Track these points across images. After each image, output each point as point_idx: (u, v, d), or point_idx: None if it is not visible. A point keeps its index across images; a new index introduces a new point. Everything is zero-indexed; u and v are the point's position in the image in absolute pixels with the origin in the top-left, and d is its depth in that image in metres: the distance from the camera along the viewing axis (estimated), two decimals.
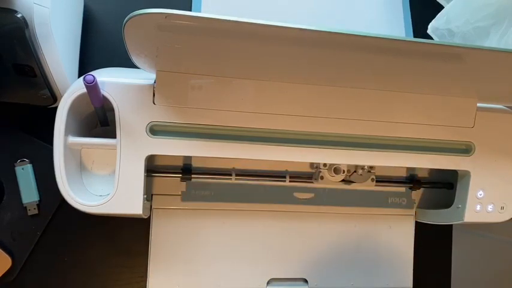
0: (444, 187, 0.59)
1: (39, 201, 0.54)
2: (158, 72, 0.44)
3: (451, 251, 0.67)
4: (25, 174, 0.53)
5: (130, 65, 0.42)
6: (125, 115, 0.44)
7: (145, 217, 0.50)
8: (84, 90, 0.42)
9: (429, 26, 0.60)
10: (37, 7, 0.42)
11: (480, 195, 0.52)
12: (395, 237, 0.60)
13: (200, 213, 0.55)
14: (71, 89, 0.44)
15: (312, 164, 0.56)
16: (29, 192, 0.53)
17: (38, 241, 0.54)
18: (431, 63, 0.40)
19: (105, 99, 0.44)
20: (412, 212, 0.60)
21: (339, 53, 0.39)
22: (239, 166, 0.55)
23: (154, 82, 0.44)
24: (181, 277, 0.54)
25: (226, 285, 0.55)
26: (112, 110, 0.44)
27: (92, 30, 0.58)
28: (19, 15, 0.41)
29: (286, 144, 0.47)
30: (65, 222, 0.55)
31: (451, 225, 0.67)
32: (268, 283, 0.56)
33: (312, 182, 0.56)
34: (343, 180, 0.55)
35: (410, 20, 0.68)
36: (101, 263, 0.56)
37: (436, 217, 0.58)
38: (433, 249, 0.66)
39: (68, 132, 0.44)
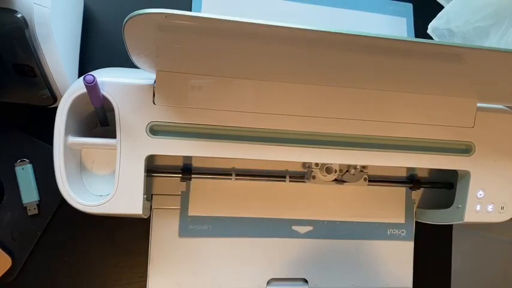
0: (444, 187, 0.59)
1: (39, 201, 0.54)
2: (158, 72, 0.44)
3: (451, 251, 0.67)
4: (25, 174, 0.53)
5: (131, 65, 0.42)
6: (125, 115, 0.44)
7: (145, 217, 0.50)
8: (84, 90, 0.42)
9: (429, 26, 0.60)
10: (37, 7, 0.42)
11: (480, 195, 0.52)
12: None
13: None
14: (71, 89, 0.44)
15: (304, 164, 0.56)
16: (29, 192, 0.53)
17: (38, 241, 0.54)
18: (431, 63, 0.40)
19: (105, 99, 0.44)
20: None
21: (339, 53, 0.39)
22: (239, 166, 0.55)
23: (154, 82, 0.44)
24: (181, 277, 0.54)
25: (226, 285, 0.55)
26: (112, 110, 0.44)
27: (92, 30, 0.58)
28: (19, 15, 0.41)
29: (286, 144, 0.47)
30: (65, 222, 0.55)
31: (451, 225, 0.67)
32: (268, 283, 0.56)
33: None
34: (335, 180, 0.55)
35: (411, 20, 0.68)
36: (101, 263, 0.56)
37: (436, 217, 0.58)
38: (433, 249, 0.66)
39: (68, 132, 0.44)
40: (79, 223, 0.56)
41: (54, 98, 0.49)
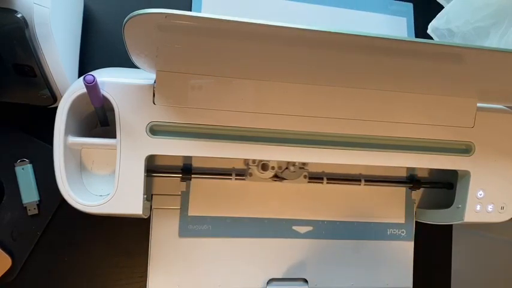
0: (444, 187, 0.59)
1: (39, 201, 0.54)
2: (158, 72, 0.44)
3: (451, 251, 0.67)
4: (25, 174, 0.53)
5: (131, 65, 0.42)
6: (125, 115, 0.44)
7: (145, 217, 0.50)
8: (84, 90, 0.42)
9: (429, 26, 0.60)
10: (37, 7, 0.42)
11: (480, 195, 0.52)
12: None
13: None
14: (71, 89, 0.44)
15: (244, 161, 0.55)
16: (29, 192, 0.53)
17: (38, 241, 0.54)
18: (431, 63, 0.40)
19: (105, 99, 0.44)
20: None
21: (339, 53, 0.39)
22: (239, 166, 0.55)
23: (154, 82, 0.44)
24: (181, 277, 0.54)
25: (226, 285, 0.55)
26: (112, 110, 0.44)
27: (92, 30, 0.58)
28: (19, 15, 0.41)
29: (286, 144, 0.47)
30: (65, 222, 0.55)
31: (451, 225, 0.67)
32: (268, 283, 0.56)
33: (311, 182, 0.56)
34: (275, 177, 0.54)
35: (411, 20, 0.68)
36: (101, 263, 0.56)
37: (436, 217, 0.58)
38: (433, 249, 0.66)
39: (68, 132, 0.44)
40: (79, 223, 0.56)
41: (54, 98, 0.49)
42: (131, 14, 0.32)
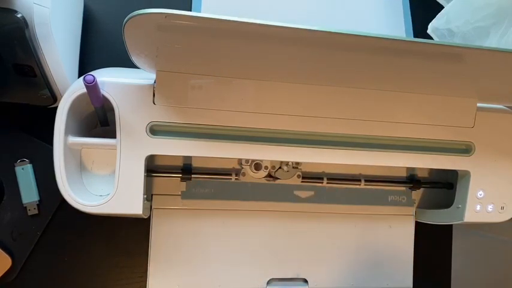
0: (444, 187, 0.59)
1: (39, 201, 0.54)
2: (158, 72, 0.44)
3: (451, 251, 0.67)
4: (25, 174, 0.53)
5: (131, 65, 0.42)
6: (125, 115, 0.44)
7: (145, 217, 0.50)
8: (84, 90, 0.42)
9: (429, 26, 0.60)
10: (37, 7, 0.42)
11: (480, 195, 0.52)
12: (395, 237, 0.60)
13: (200, 213, 0.55)
14: (71, 89, 0.44)
15: (238, 161, 0.54)
16: (29, 192, 0.53)
17: (38, 241, 0.54)
18: (431, 63, 0.40)
19: (105, 99, 0.44)
20: (412, 210, 0.60)
21: (339, 53, 0.39)
22: (239, 166, 0.55)
23: (154, 82, 0.44)
24: (181, 277, 0.54)
25: (226, 285, 0.55)
26: (112, 110, 0.44)
27: (92, 30, 0.58)
28: (19, 15, 0.41)
29: (286, 144, 0.47)
30: (65, 222, 0.55)
31: (451, 225, 0.67)
32: (268, 283, 0.56)
33: (311, 182, 0.56)
34: (269, 176, 0.54)
35: (410, 20, 0.68)
36: (101, 263, 0.56)
37: (436, 217, 0.58)
38: (433, 249, 0.66)
39: (68, 132, 0.44)
40: (79, 223, 0.56)
41: (54, 98, 0.49)
42: (131, 14, 0.32)
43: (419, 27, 0.67)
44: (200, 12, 0.61)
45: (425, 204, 0.61)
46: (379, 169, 0.59)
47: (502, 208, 0.53)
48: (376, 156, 0.49)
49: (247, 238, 0.56)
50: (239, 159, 0.53)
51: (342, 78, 0.46)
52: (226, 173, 0.54)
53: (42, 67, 0.45)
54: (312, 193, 0.57)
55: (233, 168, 0.55)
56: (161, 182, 0.54)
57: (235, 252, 0.55)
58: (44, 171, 0.53)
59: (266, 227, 0.56)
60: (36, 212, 0.53)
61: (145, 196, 0.46)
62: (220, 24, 0.33)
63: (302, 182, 0.55)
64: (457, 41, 0.57)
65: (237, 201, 0.55)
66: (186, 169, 0.54)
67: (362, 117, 0.48)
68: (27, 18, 0.42)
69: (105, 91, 0.43)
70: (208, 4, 0.61)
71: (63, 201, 0.45)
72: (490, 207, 0.53)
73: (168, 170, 0.53)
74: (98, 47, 0.58)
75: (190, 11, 0.59)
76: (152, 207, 0.54)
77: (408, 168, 0.60)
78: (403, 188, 0.60)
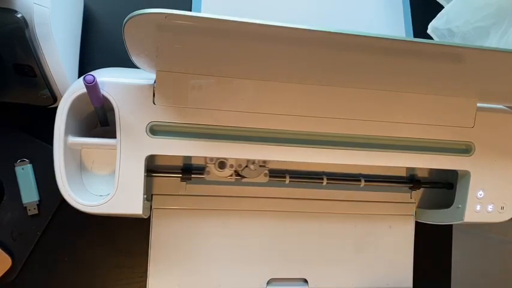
0: (444, 187, 0.59)
1: (39, 201, 0.54)
2: (158, 72, 0.44)
3: (451, 251, 0.67)
4: (25, 174, 0.53)
5: (131, 65, 0.42)
6: (124, 115, 0.44)
7: (145, 217, 0.50)
8: (84, 90, 0.42)
9: (429, 26, 0.60)
10: (37, 7, 0.42)
11: (480, 195, 0.52)
12: (395, 237, 0.60)
13: (200, 213, 0.55)
14: (71, 89, 0.44)
15: (204, 159, 0.53)
16: (29, 192, 0.53)
17: (38, 241, 0.54)
18: (431, 63, 0.40)
19: (105, 99, 0.44)
20: (412, 210, 0.60)
21: (339, 53, 0.39)
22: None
23: (154, 82, 0.44)
24: (181, 277, 0.54)
25: (226, 285, 0.55)
26: (112, 110, 0.44)
27: (92, 30, 0.58)
28: (19, 15, 0.41)
29: (286, 144, 0.47)
30: (65, 222, 0.55)
31: (451, 225, 0.67)
32: (268, 283, 0.56)
33: (311, 182, 0.56)
34: (238, 175, 0.53)
35: (410, 20, 0.68)
36: (101, 263, 0.56)
37: (436, 217, 0.58)
38: (433, 249, 0.66)
39: (68, 132, 0.44)
40: (79, 223, 0.56)
41: (54, 98, 0.49)
42: (131, 14, 0.32)
43: (419, 27, 0.67)
44: (200, 12, 0.60)
45: (425, 204, 0.61)
46: (379, 169, 0.59)
47: (502, 208, 0.53)
48: (376, 156, 0.49)
49: (247, 238, 0.56)
50: (204, 157, 0.52)
51: (342, 78, 0.46)
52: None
53: (42, 67, 0.45)
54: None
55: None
56: (161, 182, 0.54)
57: (235, 252, 0.56)
58: (44, 171, 0.53)
59: (266, 227, 0.56)
60: (36, 212, 0.53)
61: (145, 196, 0.46)
62: (220, 24, 0.33)
63: (300, 182, 0.55)
64: (457, 41, 0.57)
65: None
66: (186, 169, 0.54)
67: (362, 117, 0.48)
68: (27, 18, 0.42)
69: (105, 91, 0.43)
70: (208, 4, 0.61)
71: (63, 201, 0.45)
72: (490, 207, 0.53)
73: (168, 170, 0.53)
74: (98, 47, 0.58)
75: (190, 11, 0.59)
76: (152, 207, 0.54)
77: (408, 168, 0.60)
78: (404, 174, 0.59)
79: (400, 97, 0.49)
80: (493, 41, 0.53)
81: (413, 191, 0.60)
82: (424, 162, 0.50)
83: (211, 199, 0.55)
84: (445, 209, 0.56)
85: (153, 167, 0.53)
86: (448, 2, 0.60)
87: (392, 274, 0.60)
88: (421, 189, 0.61)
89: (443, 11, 0.59)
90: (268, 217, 0.56)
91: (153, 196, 0.54)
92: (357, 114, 0.48)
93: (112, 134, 0.44)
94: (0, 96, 0.48)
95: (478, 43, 0.55)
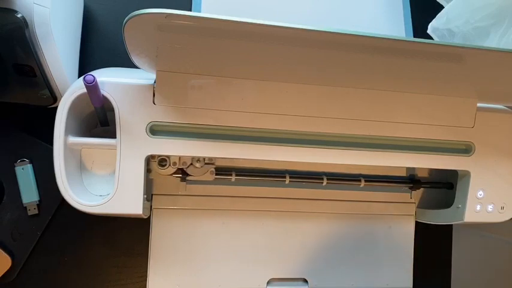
0: (444, 187, 0.59)
1: (39, 201, 0.54)
2: (158, 72, 0.44)
3: (451, 251, 0.67)
4: (25, 174, 0.53)
5: (131, 65, 0.42)
6: (124, 115, 0.44)
7: (145, 217, 0.50)
8: (84, 90, 0.42)
9: (429, 26, 0.60)
10: (37, 7, 0.42)
11: (480, 195, 0.52)
12: (395, 237, 0.60)
13: (200, 214, 0.55)
14: (71, 89, 0.44)
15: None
16: (29, 192, 0.53)
17: (38, 241, 0.54)
18: (431, 63, 0.40)
19: (105, 99, 0.44)
20: (412, 210, 0.60)
21: (339, 53, 0.39)
22: (239, 166, 0.55)
23: (154, 82, 0.44)
24: (181, 277, 0.54)
25: (226, 285, 0.55)
26: (112, 110, 0.44)
27: (92, 30, 0.58)
28: (19, 15, 0.41)
29: (286, 144, 0.47)
30: (65, 222, 0.55)
31: (451, 225, 0.67)
32: (268, 283, 0.56)
33: (311, 182, 0.56)
34: (182, 173, 0.52)
35: (410, 19, 0.68)
36: (101, 263, 0.56)
37: (436, 217, 0.58)
38: (433, 249, 0.66)
39: (68, 132, 0.44)
40: (79, 223, 0.56)
41: (54, 98, 0.49)
42: (131, 14, 0.32)
43: (420, 27, 0.67)
44: (200, 12, 0.60)
45: (425, 204, 0.61)
46: (379, 169, 0.59)
47: (502, 208, 0.53)
48: (376, 156, 0.49)
49: (247, 238, 0.56)
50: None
51: (342, 78, 0.46)
52: (226, 173, 0.54)
53: (42, 67, 0.45)
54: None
55: (233, 168, 0.55)
56: (161, 182, 0.54)
57: (235, 252, 0.56)
58: (44, 171, 0.53)
59: (266, 227, 0.56)
60: (36, 212, 0.53)
61: (145, 196, 0.46)
62: (220, 24, 0.33)
63: (300, 182, 0.55)
64: (457, 41, 0.57)
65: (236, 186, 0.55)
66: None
67: (362, 117, 0.48)
68: (27, 18, 0.42)
69: (105, 91, 0.43)
70: (208, 4, 0.61)
71: (63, 201, 0.45)
72: (490, 207, 0.53)
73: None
74: (98, 47, 0.58)
75: (190, 11, 0.59)
76: (152, 207, 0.54)
77: (408, 168, 0.60)
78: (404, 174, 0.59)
79: (400, 97, 0.49)
80: (493, 41, 0.53)
81: (413, 191, 0.60)
82: (424, 162, 0.50)
83: (211, 199, 0.55)
84: (445, 209, 0.56)
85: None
86: (448, 2, 0.60)
87: (392, 274, 0.60)
88: (421, 189, 0.61)
89: (443, 11, 0.58)
90: (268, 217, 0.56)
91: (153, 196, 0.54)
92: (357, 114, 0.48)
93: (112, 134, 0.44)
94: (0, 96, 0.48)
95: (478, 43, 0.55)
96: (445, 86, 0.48)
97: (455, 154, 0.51)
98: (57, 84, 0.48)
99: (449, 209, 0.56)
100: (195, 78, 0.44)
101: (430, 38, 0.60)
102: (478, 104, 0.51)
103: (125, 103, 0.44)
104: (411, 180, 0.60)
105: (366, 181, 0.57)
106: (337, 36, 0.34)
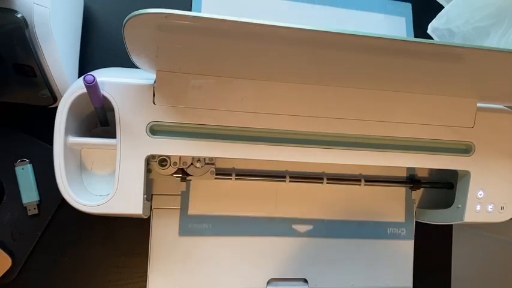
0: (444, 187, 0.59)
1: (39, 201, 0.54)
2: (158, 72, 0.44)
3: (451, 251, 0.67)
4: (25, 174, 0.53)
5: (131, 65, 0.42)
6: (124, 115, 0.44)
7: (145, 217, 0.50)
8: (84, 90, 0.42)
9: (429, 26, 0.60)
10: (37, 7, 0.42)
11: (480, 195, 0.52)
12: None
13: None
14: (71, 89, 0.44)
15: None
16: (29, 192, 0.53)
17: (38, 241, 0.54)
18: (431, 63, 0.40)
19: (105, 99, 0.44)
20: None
21: (339, 53, 0.39)
22: (239, 166, 0.55)
23: (154, 82, 0.44)
24: (181, 277, 0.54)
25: (226, 285, 0.55)
26: (112, 110, 0.44)
27: (92, 30, 0.58)
28: (19, 15, 0.41)
29: (286, 144, 0.47)
30: (65, 222, 0.55)
31: (451, 225, 0.67)
32: (268, 283, 0.56)
33: (311, 182, 0.56)
34: (183, 173, 0.52)
35: (411, 19, 0.68)
36: (101, 263, 0.56)
37: (436, 217, 0.58)
38: (433, 249, 0.66)
39: (68, 132, 0.44)
40: (79, 223, 0.56)
41: (54, 98, 0.49)
42: (131, 14, 0.32)
43: (420, 27, 0.67)
44: (200, 12, 0.60)
45: (425, 204, 0.61)
46: (379, 169, 0.59)
47: (502, 208, 0.53)
48: (376, 156, 0.49)
49: (247, 238, 0.56)
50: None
51: (342, 78, 0.46)
52: (226, 173, 0.54)
53: (42, 67, 0.45)
54: (310, 227, 0.57)
55: (233, 168, 0.55)
56: (161, 182, 0.54)
57: (235, 252, 0.55)
58: (44, 171, 0.53)
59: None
60: (36, 212, 0.53)
61: (145, 196, 0.46)
62: (220, 24, 0.33)
63: (300, 182, 0.56)
64: (457, 41, 0.57)
65: (234, 236, 0.55)
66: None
67: (362, 117, 0.48)
68: (27, 18, 0.42)
69: (105, 91, 0.43)
70: (209, 4, 0.61)
71: (63, 201, 0.45)
72: (490, 207, 0.53)
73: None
74: (98, 47, 0.58)
75: (190, 11, 0.59)
76: (152, 207, 0.54)
77: (408, 168, 0.60)
78: (403, 220, 0.60)
79: (400, 97, 0.49)
80: (493, 41, 0.53)
81: (413, 191, 0.60)
82: (424, 162, 0.50)
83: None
84: (445, 209, 0.56)
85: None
86: (448, 2, 0.60)
87: (392, 274, 0.60)
88: (421, 189, 0.61)
89: (443, 11, 0.59)
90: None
91: (153, 196, 0.54)
92: (357, 114, 0.48)
93: (112, 134, 0.44)
94: (0, 96, 0.48)
95: (478, 43, 0.55)
96: (445, 86, 0.48)
97: (455, 154, 0.51)
98: (57, 84, 0.48)
99: (449, 209, 0.56)
100: (195, 78, 0.44)
101: (430, 38, 0.60)
102: (478, 104, 0.51)
103: (125, 103, 0.44)
104: (411, 180, 0.60)
105: (366, 181, 0.57)
106: (337, 36, 0.34)
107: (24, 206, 0.53)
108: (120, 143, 0.44)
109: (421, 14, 0.67)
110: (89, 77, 0.40)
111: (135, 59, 0.40)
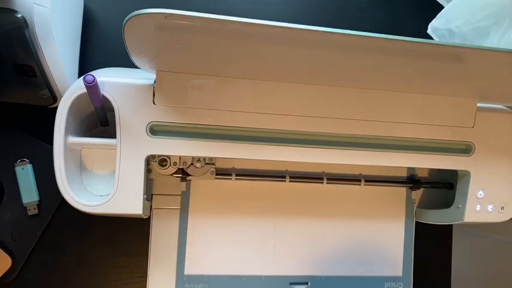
0: (444, 187, 0.59)
1: (39, 201, 0.54)
2: (158, 72, 0.44)
3: (451, 251, 0.67)
4: (25, 174, 0.53)
5: (131, 65, 0.42)
6: (124, 115, 0.44)
7: (145, 217, 0.50)
8: (84, 90, 0.42)
9: (429, 26, 0.60)
10: (37, 7, 0.42)
11: (480, 195, 0.52)
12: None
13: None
14: (71, 89, 0.44)
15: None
16: (29, 192, 0.53)
17: (38, 241, 0.54)
18: (431, 63, 0.40)
19: (105, 99, 0.44)
20: (413, 207, 0.60)
21: (339, 53, 0.39)
22: (239, 166, 0.55)
23: (154, 82, 0.44)
24: None
25: None
26: (112, 110, 0.44)
27: (92, 30, 0.58)
28: (19, 15, 0.41)
29: (286, 144, 0.47)
30: (65, 222, 0.55)
31: (451, 225, 0.67)
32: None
33: (311, 182, 0.56)
34: (183, 173, 0.52)
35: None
36: (101, 263, 0.56)
37: (436, 217, 0.58)
38: (433, 249, 0.66)
39: (68, 132, 0.44)
40: (79, 223, 0.56)
41: (54, 98, 0.49)
42: (131, 14, 0.32)
43: (420, 27, 0.66)
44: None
45: (425, 204, 0.61)
46: (379, 169, 0.59)
47: (502, 208, 0.53)
48: (376, 156, 0.49)
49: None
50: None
51: (342, 78, 0.46)
52: (226, 173, 0.54)
53: (42, 67, 0.45)
54: (308, 285, 0.57)
55: (233, 168, 0.55)
56: (161, 182, 0.54)
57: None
58: (44, 171, 0.53)
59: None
60: (36, 212, 0.53)
61: (145, 196, 0.46)
62: (220, 24, 0.33)
63: (300, 182, 0.56)
64: (457, 41, 0.57)
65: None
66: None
67: (362, 117, 0.48)
68: (27, 18, 0.42)
69: (105, 91, 0.43)
70: None
71: (63, 201, 0.45)
72: (490, 207, 0.53)
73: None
74: (98, 47, 0.58)
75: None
76: (152, 207, 0.54)
77: (408, 168, 0.60)
78: (400, 274, 0.59)
79: (400, 97, 0.49)
80: (493, 41, 0.53)
81: (413, 191, 0.60)
82: (424, 162, 0.50)
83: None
84: (445, 209, 0.56)
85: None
86: (448, 2, 0.60)
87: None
88: (421, 189, 0.61)
89: (443, 11, 0.59)
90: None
91: (153, 196, 0.54)
92: (357, 114, 0.48)
93: (112, 134, 0.44)
94: (0, 96, 0.48)
95: (478, 43, 0.55)
96: (445, 86, 0.48)
97: (455, 154, 0.51)
98: (57, 84, 0.48)
99: (449, 209, 0.56)
100: (195, 78, 0.44)
101: (430, 38, 0.60)
102: (478, 104, 0.51)
103: (125, 103, 0.44)
104: (411, 180, 0.60)
105: (366, 181, 0.57)
106: (336, 37, 0.34)
107: (24, 206, 0.53)
108: (120, 143, 0.44)
109: (421, 14, 0.67)
110: (88, 77, 0.40)
111: (135, 59, 0.40)
